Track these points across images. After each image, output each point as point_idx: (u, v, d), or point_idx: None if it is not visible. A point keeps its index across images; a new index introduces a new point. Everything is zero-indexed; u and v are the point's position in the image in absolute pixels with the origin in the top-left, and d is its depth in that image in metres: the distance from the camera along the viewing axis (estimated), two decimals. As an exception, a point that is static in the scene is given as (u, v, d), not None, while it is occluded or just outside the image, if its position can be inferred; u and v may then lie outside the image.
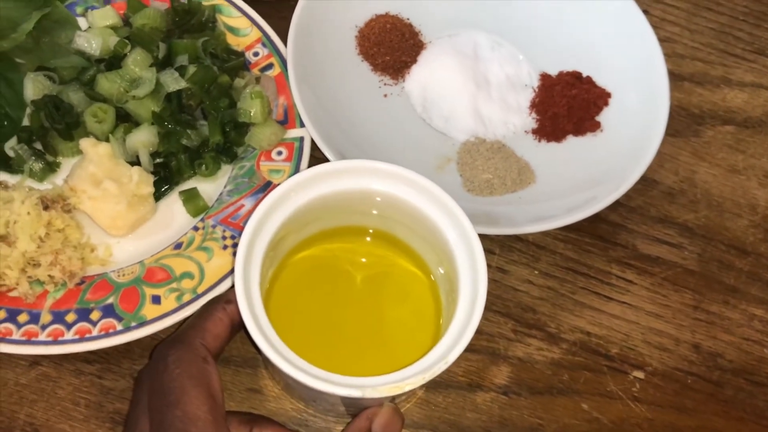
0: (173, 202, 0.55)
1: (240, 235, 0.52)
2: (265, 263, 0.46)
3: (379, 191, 0.47)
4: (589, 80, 0.61)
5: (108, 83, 0.54)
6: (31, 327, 0.48)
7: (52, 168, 0.55)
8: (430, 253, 0.48)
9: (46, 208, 0.51)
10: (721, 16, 0.70)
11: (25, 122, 0.55)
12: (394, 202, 0.48)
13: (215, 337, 0.42)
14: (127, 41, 0.56)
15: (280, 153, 0.56)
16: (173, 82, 0.54)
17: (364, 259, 0.51)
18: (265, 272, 0.47)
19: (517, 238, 0.57)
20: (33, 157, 0.54)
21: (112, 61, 0.56)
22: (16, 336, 0.48)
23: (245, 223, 0.46)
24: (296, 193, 0.46)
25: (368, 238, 0.50)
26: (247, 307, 0.42)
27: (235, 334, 0.44)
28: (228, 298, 0.44)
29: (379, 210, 0.49)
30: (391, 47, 0.62)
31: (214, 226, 0.53)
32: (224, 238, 0.53)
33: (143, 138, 0.54)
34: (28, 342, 0.48)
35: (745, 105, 0.66)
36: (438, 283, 0.48)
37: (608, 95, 0.61)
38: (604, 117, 0.60)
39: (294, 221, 0.47)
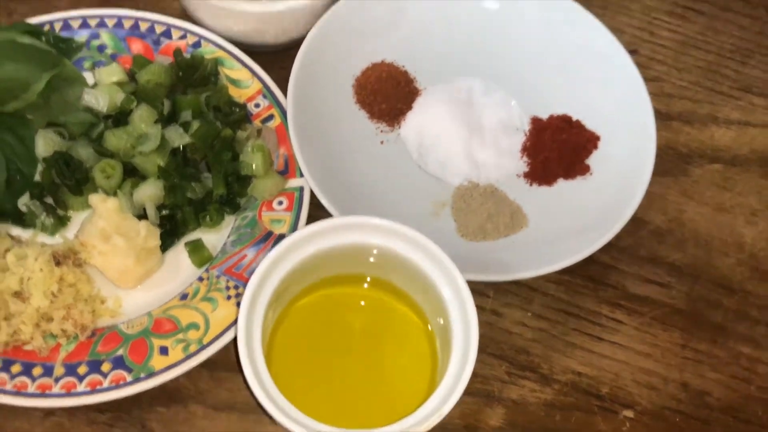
0: (179, 252, 0.57)
1: (243, 285, 0.54)
2: (267, 315, 0.48)
3: (376, 245, 0.50)
4: (578, 124, 0.63)
5: (115, 139, 0.57)
6: (45, 380, 0.51)
7: (62, 222, 0.57)
8: (427, 303, 0.50)
9: (58, 263, 0.53)
10: (709, 54, 0.72)
11: (37, 178, 0.58)
12: (392, 256, 0.50)
13: None
14: (133, 97, 0.58)
15: (281, 203, 0.58)
16: (178, 137, 0.57)
17: (363, 302, 0.53)
18: (267, 323, 0.49)
19: (511, 280, 0.59)
20: (44, 212, 0.57)
21: (119, 117, 0.58)
22: (30, 389, 0.50)
23: (249, 273, 0.49)
24: (297, 248, 0.49)
25: (366, 285, 0.53)
26: (248, 362, 0.45)
27: None
28: None
29: (377, 259, 0.51)
30: (387, 95, 0.64)
31: (218, 277, 0.56)
32: (228, 288, 0.55)
33: (150, 192, 0.56)
34: (42, 395, 0.50)
35: (733, 143, 0.68)
36: (435, 333, 0.50)
37: (597, 138, 0.63)
38: (594, 160, 0.62)
39: (295, 274, 0.50)
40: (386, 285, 0.52)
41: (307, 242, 0.49)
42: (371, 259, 0.51)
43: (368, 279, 0.53)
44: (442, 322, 0.50)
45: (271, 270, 0.48)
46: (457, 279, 0.47)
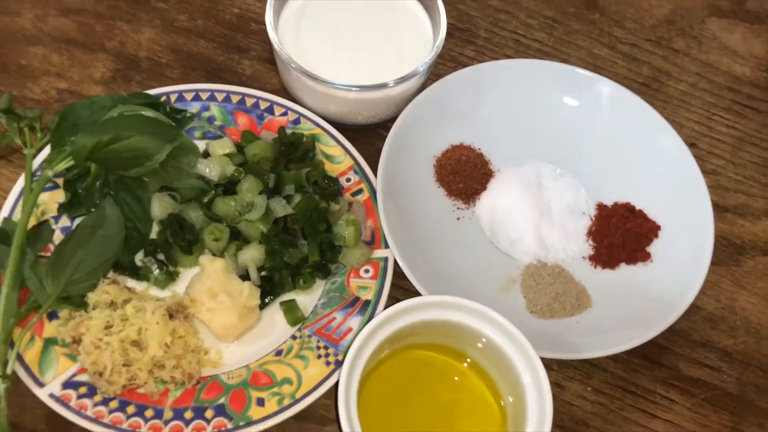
0: (274, 311, 0.64)
1: (333, 345, 0.61)
2: (363, 373, 0.54)
3: (485, 335, 0.55)
4: (641, 214, 0.69)
5: (224, 206, 0.63)
6: (156, 422, 0.57)
7: (172, 277, 0.64)
8: (502, 381, 0.55)
9: (171, 317, 0.60)
10: (764, 151, 0.77)
11: (152, 236, 0.65)
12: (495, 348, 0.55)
13: None
14: (241, 169, 0.65)
15: (367, 271, 0.64)
16: (282, 208, 0.63)
17: (456, 378, 0.58)
18: (365, 376, 0.54)
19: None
20: (157, 268, 0.63)
21: (228, 186, 0.65)
22: (143, 430, 0.56)
23: (337, 335, 0.54)
24: (394, 320, 0.54)
25: (465, 364, 0.58)
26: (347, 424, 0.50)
27: None
28: None
29: (483, 346, 0.56)
30: (465, 176, 0.70)
31: (309, 336, 0.61)
32: (318, 347, 0.61)
33: (253, 255, 0.63)
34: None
35: (784, 236, 0.72)
36: (506, 410, 0.55)
37: (658, 228, 0.68)
38: (655, 248, 0.67)
39: (391, 340, 0.55)
40: (481, 370, 0.58)
41: (398, 317, 0.55)
42: (479, 345, 0.56)
43: (468, 360, 0.58)
44: (512, 400, 0.55)
45: (370, 337, 0.53)
46: (535, 362, 0.52)
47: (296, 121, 0.70)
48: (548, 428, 0.50)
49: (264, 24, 0.68)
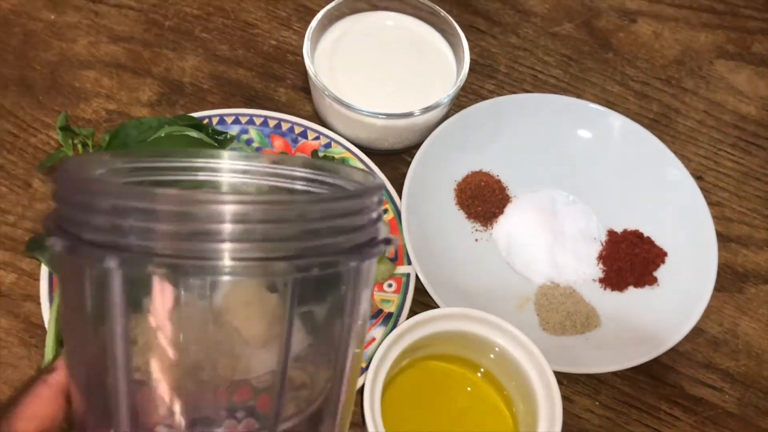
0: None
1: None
2: (385, 380, 0.58)
3: (497, 343, 0.59)
4: (649, 240, 0.73)
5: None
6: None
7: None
8: (513, 389, 0.59)
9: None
10: (767, 185, 0.81)
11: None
12: (508, 358, 0.60)
13: (30, 418, 0.35)
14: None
15: (390, 285, 0.69)
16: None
17: (469, 388, 0.62)
18: (387, 383, 0.59)
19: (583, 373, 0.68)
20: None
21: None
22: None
23: (369, 359, 0.59)
24: (418, 328, 0.59)
25: (479, 374, 0.62)
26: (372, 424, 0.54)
27: (69, 408, 0.37)
28: (51, 367, 0.37)
29: (495, 356, 0.60)
30: (483, 200, 0.75)
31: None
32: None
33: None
34: None
35: (785, 266, 0.76)
36: (517, 416, 0.59)
37: (665, 254, 0.72)
38: (661, 273, 0.71)
39: (410, 350, 0.60)
40: (494, 380, 0.62)
41: (420, 326, 0.59)
42: (491, 355, 0.61)
43: (482, 370, 0.62)
44: (523, 407, 0.59)
45: (392, 346, 0.58)
46: (545, 370, 0.56)
47: (327, 145, 0.75)
48: (558, 430, 0.54)
49: (299, 55, 0.74)
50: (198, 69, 0.82)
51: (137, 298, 0.37)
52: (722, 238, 0.76)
